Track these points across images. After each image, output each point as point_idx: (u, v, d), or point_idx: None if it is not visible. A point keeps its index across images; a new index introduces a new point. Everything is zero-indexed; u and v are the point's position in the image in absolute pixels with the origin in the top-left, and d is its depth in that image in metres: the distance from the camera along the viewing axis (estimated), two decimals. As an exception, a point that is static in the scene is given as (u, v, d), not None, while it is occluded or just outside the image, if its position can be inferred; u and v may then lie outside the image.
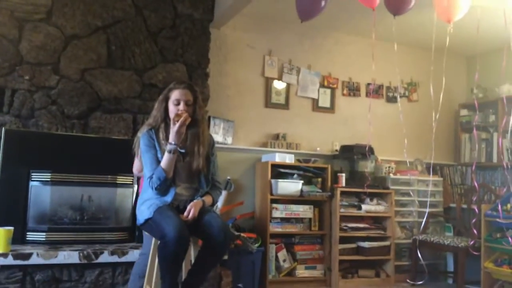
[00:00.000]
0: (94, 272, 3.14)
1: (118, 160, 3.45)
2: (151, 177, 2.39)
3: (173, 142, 2.34)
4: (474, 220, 3.94)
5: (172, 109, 2.46)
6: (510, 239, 3.57)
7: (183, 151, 2.40)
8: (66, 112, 3.52)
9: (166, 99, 2.50)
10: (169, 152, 2.34)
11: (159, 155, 2.41)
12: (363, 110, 4.81)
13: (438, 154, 5.05)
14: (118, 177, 3.59)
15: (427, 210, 4.34)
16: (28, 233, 3.34)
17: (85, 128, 3.56)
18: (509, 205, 3.97)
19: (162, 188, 2.39)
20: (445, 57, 3.45)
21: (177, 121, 2.33)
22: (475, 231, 3.86)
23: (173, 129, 2.34)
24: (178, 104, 2.45)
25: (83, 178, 3.50)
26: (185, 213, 2.36)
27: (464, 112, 5.22)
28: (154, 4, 3.85)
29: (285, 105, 4.63)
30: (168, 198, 2.40)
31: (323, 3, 3.27)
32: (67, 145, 3.47)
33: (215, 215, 2.46)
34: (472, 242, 3.94)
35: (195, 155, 2.46)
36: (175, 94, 2.46)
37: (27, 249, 3.07)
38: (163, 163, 2.36)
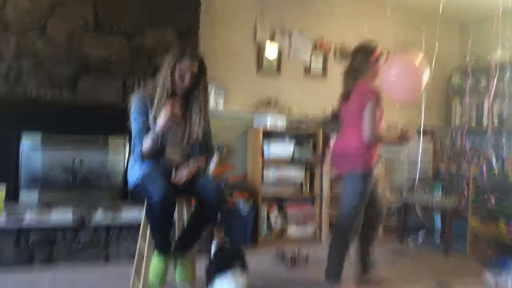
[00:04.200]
0: (88, 232, 3.19)
1: (109, 123, 3.47)
2: (133, 149, 2.41)
3: (159, 130, 2.28)
4: (464, 182, 4.02)
5: (177, 79, 2.41)
6: (492, 199, 3.66)
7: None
8: (55, 77, 3.48)
9: (173, 67, 2.41)
10: (153, 140, 2.30)
11: (151, 122, 2.39)
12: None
13: (429, 118, 5.09)
14: (110, 139, 3.59)
15: (418, 171, 4.42)
16: (21, 194, 3.36)
17: (75, 92, 3.54)
18: (496, 169, 4.05)
19: (147, 159, 2.39)
20: (438, 23, 3.42)
21: (168, 110, 2.25)
22: (465, 193, 3.94)
23: (161, 118, 2.27)
24: (184, 74, 2.41)
25: (74, 141, 3.50)
26: (178, 177, 2.37)
27: (456, 77, 5.23)
28: (143, -34, 3.77)
29: (277, 70, 4.60)
30: (159, 164, 2.42)
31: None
32: (57, 108, 3.44)
33: (209, 178, 2.49)
34: (461, 203, 4.03)
35: (195, 126, 2.47)
36: (184, 64, 2.40)
37: (20, 211, 3.10)
38: (145, 144, 2.34)
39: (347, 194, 2.83)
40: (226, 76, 4.37)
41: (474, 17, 4.89)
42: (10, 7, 3.36)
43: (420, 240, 4.45)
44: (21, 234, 3.03)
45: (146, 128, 2.38)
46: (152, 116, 2.37)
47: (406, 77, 2.73)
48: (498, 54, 4.58)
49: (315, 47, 4.73)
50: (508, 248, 3.80)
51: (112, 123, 3.18)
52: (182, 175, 2.38)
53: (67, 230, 3.14)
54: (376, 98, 2.75)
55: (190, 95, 2.49)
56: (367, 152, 2.77)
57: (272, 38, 4.54)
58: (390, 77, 2.76)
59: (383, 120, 2.86)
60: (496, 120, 4.75)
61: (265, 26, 4.53)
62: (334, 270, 2.84)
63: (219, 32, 4.36)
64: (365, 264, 3.03)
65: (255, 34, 4.49)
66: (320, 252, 3.84)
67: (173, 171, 2.42)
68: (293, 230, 4.24)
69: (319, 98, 4.75)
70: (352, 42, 4.81)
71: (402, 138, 2.90)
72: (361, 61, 2.88)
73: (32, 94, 3.39)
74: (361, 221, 2.83)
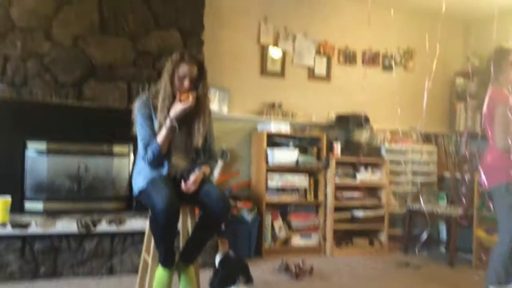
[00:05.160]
0: (92, 241, 3.17)
1: (114, 129, 3.44)
2: (146, 151, 2.38)
3: (174, 120, 2.32)
4: (465, 189, 3.97)
5: (177, 84, 2.40)
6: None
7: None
8: (60, 80, 3.46)
9: (173, 72, 2.41)
10: (168, 129, 2.33)
11: (155, 125, 2.39)
12: (359, 78, 4.79)
13: (433, 123, 5.08)
14: (115, 146, 3.57)
15: (420, 179, 4.38)
16: (26, 202, 3.34)
17: (80, 96, 3.51)
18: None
19: (156, 162, 2.38)
20: (441, 23, 3.40)
21: (182, 101, 2.32)
22: (463, 201, 3.88)
23: (178, 106, 2.32)
24: (183, 78, 2.39)
25: (79, 148, 3.48)
26: (189, 183, 2.35)
27: (459, 80, 5.16)
28: (148, -32, 3.73)
29: (281, 74, 4.57)
30: (164, 170, 2.40)
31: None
32: (62, 114, 3.42)
33: (213, 185, 2.46)
34: (461, 212, 3.98)
35: (195, 132, 2.45)
36: (182, 69, 2.39)
37: (25, 219, 3.07)
38: (160, 139, 2.35)
39: (499, 212, 2.64)
40: (230, 79, 4.34)
41: (478, 16, 4.81)
42: (16, 6, 3.34)
43: (424, 249, 4.41)
44: (26, 243, 3.01)
45: (153, 132, 2.37)
46: (157, 122, 2.37)
47: None
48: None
49: (318, 50, 4.70)
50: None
51: (117, 130, 3.16)
52: (191, 183, 2.35)
53: (72, 238, 3.11)
54: (507, 101, 2.55)
55: None
56: (505, 161, 2.54)
57: (275, 42, 4.51)
58: None
59: None
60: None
61: (269, 29, 4.49)
62: None
63: (224, 35, 4.33)
64: None
65: (259, 37, 4.46)
66: (324, 264, 3.82)
67: (182, 180, 2.39)
68: (297, 240, 4.22)
69: (323, 101, 4.73)
70: (355, 45, 4.85)
71: None
72: (496, 64, 2.70)
73: (38, 98, 3.36)
74: None
